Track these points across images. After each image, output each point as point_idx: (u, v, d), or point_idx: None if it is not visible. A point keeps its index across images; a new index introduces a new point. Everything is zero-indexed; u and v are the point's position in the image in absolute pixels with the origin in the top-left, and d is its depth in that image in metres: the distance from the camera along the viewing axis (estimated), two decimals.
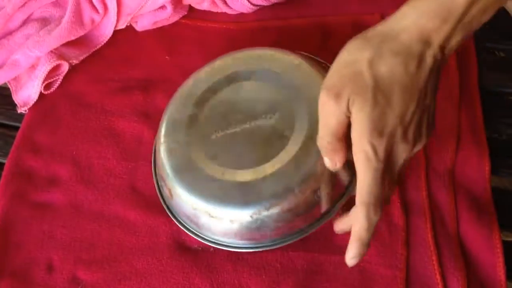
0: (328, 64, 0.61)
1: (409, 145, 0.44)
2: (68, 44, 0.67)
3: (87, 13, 0.67)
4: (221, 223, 0.52)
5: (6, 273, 0.56)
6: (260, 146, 0.53)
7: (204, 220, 0.53)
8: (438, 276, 0.52)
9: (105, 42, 0.69)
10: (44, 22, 0.68)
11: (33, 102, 0.66)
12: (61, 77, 0.67)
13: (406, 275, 0.53)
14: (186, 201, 0.53)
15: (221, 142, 0.54)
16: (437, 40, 0.41)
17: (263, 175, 0.51)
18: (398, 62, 0.41)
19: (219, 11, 0.70)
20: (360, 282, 0.52)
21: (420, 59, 0.41)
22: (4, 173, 0.62)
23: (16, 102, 0.66)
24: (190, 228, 0.56)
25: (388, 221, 0.55)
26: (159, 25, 0.70)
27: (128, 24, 0.70)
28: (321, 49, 0.66)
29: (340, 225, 0.49)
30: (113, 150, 0.62)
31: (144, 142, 0.62)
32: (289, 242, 0.54)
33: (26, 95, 0.66)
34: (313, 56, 0.62)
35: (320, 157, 0.50)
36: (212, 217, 0.52)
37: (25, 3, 0.68)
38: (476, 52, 0.65)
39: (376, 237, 0.54)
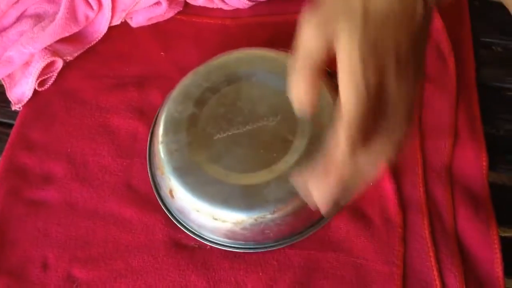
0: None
1: (407, 81, 0.38)
2: (62, 40, 0.66)
3: (81, 9, 0.66)
4: (225, 225, 0.52)
5: (1, 271, 0.56)
6: (263, 148, 0.53)
7: (206, 221, 0.53)
8: (435, 272, 0.52)
9: (99, 38, 0.69)
10: (38, 18, 0.67)
11: (27, 99, 0.65)
12: (55, 74, 0.66)
13: (403, 272, 0.52)
14: (189, 203, 0.53)
15: (223, 143, 0.54)
16: None
17: (268, 179, 0.52)
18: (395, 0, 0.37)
19: (215, 6, 0.69)
20: (357, 279, 0.52)
21: (414, 4, 0.39)
22: None
23: (10, 99, 0.66)
24: (190, 228, 0.56)
25: (385, 218, 0.55)
26: (154, 21, 0.69)
27: (123, 20, 0.69)
28: None
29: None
30: (108, 147, 0.61)
31: (139, 139, 0.62)
32: (289, 243, 0.54)
33: (20, 92, 0.65)
34: None
35: None
36: (216, 219, 0.52)
37: None
38: (473, 47, 0.65)
39: (372, 233, 0.54)
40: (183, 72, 0.62)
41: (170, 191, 0.55)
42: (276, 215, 0.51)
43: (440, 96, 0.60)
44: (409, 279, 0.52)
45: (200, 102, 0.57)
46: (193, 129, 0.55)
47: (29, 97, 0.65)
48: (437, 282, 0.52)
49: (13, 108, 0.66)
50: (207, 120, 0.56)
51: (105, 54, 0.68)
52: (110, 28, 0.69)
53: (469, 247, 0.53)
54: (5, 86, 0.67)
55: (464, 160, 0.57)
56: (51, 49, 0.65)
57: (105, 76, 0.66)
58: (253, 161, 0.53)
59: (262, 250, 0.54)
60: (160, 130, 0.56)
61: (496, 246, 0.53)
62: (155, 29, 0.69)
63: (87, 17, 0.67)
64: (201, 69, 0.59)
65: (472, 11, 0.67)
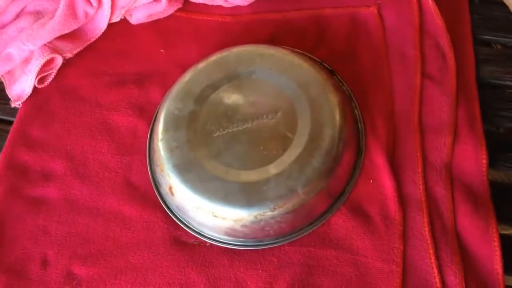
0: (325, 63, 0.62)
1: None
2: (62, 37, 0.66)
3: (81, 6, 0.66)
4: (225, 222, 0.52)
5: (1, 268, 0.56)
6: (263, 146, 0.53)
7: (206, 219, 0.53)
8: (435, 270, 0.52)
9: (99, 35, 0.68)
10: (38, 15, 0.67)
11: (26, 96, 0.65)
12: (55, 71, 0.66)
13: (403, 269, 0.53)
14: (189, 200, 0.53)
15: (223, 141, 0.54)
16: None
17: (267, 176, 0.52)
18: None
19: (215, 3, 0.69)
20: (356, 276, 0.52)
21: None
22: None
23: (9, 96, 0.66)
24: (190, 225, 0.56)
25: (385, 215, 0.55)
26: (154, 18, 0.69)
27: (122, 17, 0.69)
28: (318, 42, 0.65)
29: None
30: (108, 144, 0.61)
31: (139, 136, 0.62)
32: (289, 241, 0.54)
33: (20, 89, 0.65)
34: (311, 56, 0.62)
35: (322, 158, 0.50)
36: (216, 216, 0.52)
37: None
38: (473, 44, 0.64)
39: (372, 231, 0.54)
40: (182, 69, 0.62)
41: (170, 188, 0.55)
42: (276, 212, 0.51)
43: (440, 93, 0.60)
44: (409, 276, 0.52)
45: (200, 99, 0.57)
46: (193, 126, 0.55)
47: (29, 94, 0.65)
48: (437, 280, 0.52)
49: (12, 105, 0.66)
50: (207, 117, 0.56)
51: (104, 51, 0.68)
52: (110, 25, 0.69)
53: (469, 245, 0.53)
54: (4, 83, 0.67)
55: (464, 157, 0.57)
56: (51, 46, 0.65)
57: (104, 73, 0.66)
58: (253, 158, 0.53)
59: (262, 248, 0.54)
60: (160, 127, 0.56)
61: (495, 243, 0.53)
62: (155, 26, 0.69)
63: (86, 14, 0.67)
64: (201, 66, 0.59)
65: (472, 8, 0.67)
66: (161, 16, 0.69)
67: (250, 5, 0.69)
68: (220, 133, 0.55)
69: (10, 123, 0.65)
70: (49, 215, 0.58)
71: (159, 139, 0.55)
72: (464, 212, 0.54)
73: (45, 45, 0.65)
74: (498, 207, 0.55)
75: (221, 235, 0.55)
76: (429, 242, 0.53)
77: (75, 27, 0.67)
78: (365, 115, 0.60)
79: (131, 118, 0.63)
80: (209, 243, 0.55)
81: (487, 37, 0.66)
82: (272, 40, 0.66)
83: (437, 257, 0.52)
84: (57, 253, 0.56)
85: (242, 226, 0.52)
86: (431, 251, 0.53)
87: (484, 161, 0.57)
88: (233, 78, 0.57)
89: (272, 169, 0.52)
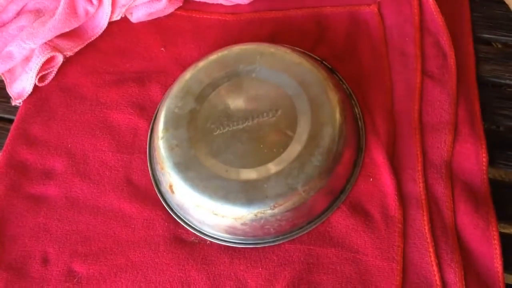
0: (325, 62, 0.62)
1: None
2: (62, 36, 0.66)
3: (81, 4, 0.66)
4: (225, 220, 0.52)
5: (1, 266, 0.56)
6: (263, 144, 0.53)
7: (207, 217, 0.53)
8: (435, 268, 0.52)
9: (99, 34, 0.69)
10: (38, 13, 0.67)
11: (27, 95, 0.65)
12: (55, 69, 0.66)
13: (403, 267, 0.53)
14: (189, 198, 0.53)
15: (224, 139, 0.54)
16: None
17: (268, 174, 0.52)
18: None
19: (215, 2, 0.69)
20: (356, 274, 0.52)
21: None
22: None
23: (10, 94, 0.66)
24: (190, 223, 0.56)
25: (385, 213, 0.55)
26: (154, 16, 0.69)
27: (123, 16, 0.69)
28: (318, 41, 0.65)
29: None
30: (108, 142, 0.62)
31: (139, 134, 0.62)
32: (290, 239, 0.54)
33: (20, 87, 0.65)
34: (311, 54, 0.63)
35: (323, 156, 0.50)
36: (216, 214, 0.52)
37: None
38: (474, 43, 0.64)
39: (372, 229, 0.54)
40: (183, 67, 0.62)
41: (170, 186, 0.55)
42: (276, 210, 0.51)
43: (440, 91, 0.60)
44: (409, 274, 0.52)
45: (200, 98, 0.57)
46: (193, 124, 0.55)
47: (29, 92, 0.65)
48: (437, 278, 0.52)
49: (13, 104, 0.66)
50: (207, 116, 0.56)
51: (105, 49, 0.68)
52: (110, 24, 0.69)
53: (469, 243, 0.53)
54: (5, 82, 0.67)
55: (464, 156, 0.57)
56: (51, 44, 0.65)
57: (105, 71, 0.66)
58: (253, 157, 0.53)
59: (262, 245, 0.54)
60: (160, 125, 0.56)
61: (495, 241, 0.53)
62: (155, 24, 0.69)
63: (87, 12, 0.67)
64: (201, 64, 0.59)
65: (472, 7, 0.67)
66: (161, 15, 0.69)
67: (251, 3, 0.69)
68: (220, 132, 0.55)
69: (10, 121, 0.65)
70: (50, 213, 0.58)
71: (160, 138, 0.55)
72: (464, 210, 0.55)
73: (45, 43, 0.65)
74: (498, 206, 0.55)
75: (221, 233, 0.55)
76: (429, 240, 0.53)
77: (75, 25, 0.67)
78: (365, 113, 0.60)
79: (132, 116, 0.63)
80: (209, 241, 0.55)
81: (487, 35, 0.66)
82: (273, 38, 0.66)
83: (437, 255, 0.52)
84: (57, 250, 0.56)
85: (242, 224, 0.52)
86: (431, 249, 0.53)
87: (484, 160, 0.57)
88: (233, 77, 0.57)
89: (272, 167, 0.52)
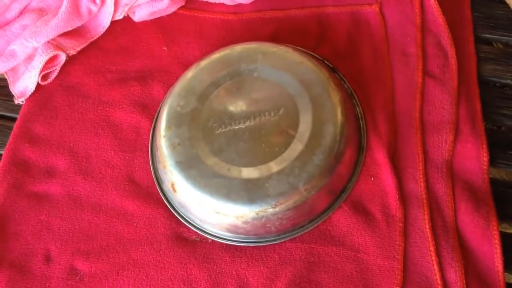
0: (326, 61, 0.62)
1: None
2: (65, 34, 0.66)
3: (84, 3, 0.66)
4: (226, 219, 0.53)
5: (4, 264, 0.56)
6: (265, 143, 0.54)
7: (208, 215, 0.53)
8: (435, 267, 0.52)
9: (102, 33, 0.69)
10: (41, 12, 0.67)
11: (30, 93, 0.65)
12: (58, 68, 0.67)
13: (404, 266, 0.53)
14: (191, 197, 0.53)
15: (225, 138, 0.54)
16: None
17: (269, 173, 0.52)
18: None
19: (217, 1, 0.69)
20: (357, 273, 0.53)
21: None
22: (1, 164, 0.61)
23: (13, 93, 0.66)
24: (192, 222, 0.56)
25: (386, 212, 0.55)
26: (157, 15, 0.69)
27: (126, 15, 0.69)
28: (320, 40, 0.65)
29: None
30: (111, 141, 0.62)
31: (142, 133, 0.62)
32: (291, 237, 0.54)
33: (23, 86, 0.66)
34: (312, 54, 0.63)
35: (324, 155, 0.50)
36: (218, 213, 0.52)
37: None
38: (475, 43, 0.65)
39: (373, 228, 0.54)
40: (185, 66, 0.62)
41: (172, 185, 0.55)
42: (277, 209, 0.52)
43: (441, 91, 0.60)
44: (410, 273, 0.53)
45: (202, 97, 0.57)
46: (195, 123, 0.56)
47: (32, 91, 0.65)
48: (437, 277, 0.52)
49: (16, 102, 0.66)
50: (209, 115, 0.56)
51: (107, 48, 0.68)
52: (113, 23, 0.69)
53: (470, 242, 0.54)
54: (8, 80, 0.67)
55: (465, 155, 0.57)
56: (54, 43, 0.65)
57: (107, 70, 0.66)
58: (254, 155, 0.53)
59: (264, 244, 0.55)
60: (162, 124, 0.56)
61: (496, 241, 0.53)
62: (158, 23, 0.69)
63: (89, 11, 0.67)
64: (203, 63, 0.59)
65: (473, 7, 0.67)
66: (163, 14, 0.70)
67: (253, 3, 0.69)
68: (222, 130, 0.55)
69: (13, 119, 0.66)
70: (52, 211, 0.59)
71: (162, 136, 0.56)
72: (465, 209, 0.55)
73: (48, 42, 0.65)
74: (498, 205, 0.55)
75: (223, 232, 0.55)
76: (429, 239, 0.53)
77: (78, 24, 0.67)
78: (366, 112, 0.60)
79: (134, 115, 0.63)
80: (211, 239, 0.56)
81: (488, 35, 0.66)
82: (274, 38, 0.66)
83: (438, 254, 0.53)
84: (60, 248, 0.57)
85: (243, 222, 0.53)
86: (432, 248, 0.53)
87: (485, 159, 0.57)
88: (235, 76, 0.57)
89: (274, 166, 0.52)
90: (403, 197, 0.56)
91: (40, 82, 0.65)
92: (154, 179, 0.59)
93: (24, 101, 0.66)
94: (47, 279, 0.55)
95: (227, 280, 0.53)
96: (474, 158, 0.57)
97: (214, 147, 0.54)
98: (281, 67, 0.57)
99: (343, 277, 0.53)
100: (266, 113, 0.55)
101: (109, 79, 0.66)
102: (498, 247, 0.53)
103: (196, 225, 0.56)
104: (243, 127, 0.55)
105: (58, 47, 0.65)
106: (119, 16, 0.69)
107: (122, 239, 0.57)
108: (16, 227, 0.58)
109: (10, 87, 0.66)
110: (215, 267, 0.54)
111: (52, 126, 0.63)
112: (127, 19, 0.70)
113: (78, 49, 0.68)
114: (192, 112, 0.56)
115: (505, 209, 0.55)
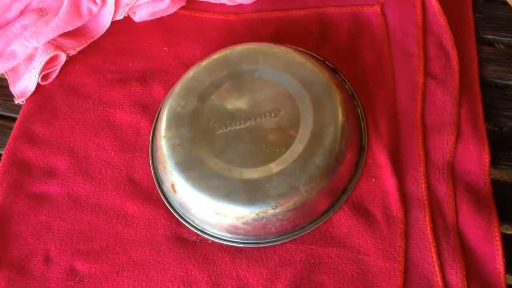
0: (327, 62, 0.62)
1: None
2: (66, 34, 0.66)
3: (85, 3, 0.66)
4: (226, 220, 0.52)
5: (3, 264, 0.56)
6: (265, 144, 0.53)
7: (209, 216, 0.53)
8: (436, 268, 0.52)
9: (102, 33, 0.69)
10: (41, 12, 0.67)
11: (30, 93, 0.65)
12: (58, 68, 0.66)
13: (405, 268, 0.53)
14: (191, 197, 0.53)
15: (226, 138, 0.54)
16: None
17: (269, 174, 0.52)
18: None
19: (218, 2, 0.69)
20: (358, 274, 0.52)
21: None
22: (1, 164, 0.61)
23: (13, 93, 0.66)
24: (192, 222, 0.56)
25: (387, 214, 0.55)
26: (157, 16, 0.69)
27: (126, 15, 0.69)
28: (321, 41, 0.65)
29: None
30: (111, 141, 0.62)
31: (142, 133, 0.62)
32: (291, 238, 0.54)
33: (23, 86, 0.66)
34: (313, 54, 0.63)
35: (325, 156, 0.50)
36: (218, 214, 0.52)
37: None
38: (476, 44, 0.64)
39: (374, 229, 0.54)
40: (186, 67, 0.62)
41: (172, 186, 0.55)
42: (277, 210, 0.51)
43: (443, 92, 0.60)
44: (410, 275, 0.52)
45: (202, 97, 0.57)
46: (196, 123, 0.55)
47: (32, 91, 0.65)
48: (438, 278, 0.52)
49: (16, 102, 0.66)
50: (209, 115, 0.56)
51: (108, 48, 0.68)
52: (113, 23, 0.69)
53: (471, 243, 0.53)
54: (8, 80, 0.67)
55: (467, 156, 0.57)
56: (55, 43, 0.65)
57: (108, 70, 0.66)
58: (255, 156, 0.53)
59: (264, 245, 0.54)
60: (163, 124, 0.56)
61: (497, 242, 0.53)
62: (158, 24, 0.69)
63: (90, 12, 0.67)
64: (204, 64, 0.59)
65: (475, 8, 0.67)
66: (164, 14, 0.69)
67: (254, 3, 0.69)
68: (222, 131, 0.55)
69: (13, 119, 0.66)
70: (52, 211, 0.58)
71: (162, 137, 0.56)
72: (466, 211, 0.54)
73: (48, 42, 0.65)
74: (500, 207, 0.55)
75: (223, 233, 0.55)
76: (431, 240, 0.53)
77: (78, 24, 0.67)
78: (367, 113, 0.60)
79: (134, 115, 0.63)
80: (211, 240, 0.55)
81: (490, 36, 0.66)
82: (275, 38, 0.66)
83: (439, 256, 0.52)
84: (59, 249, 0.56)
85: (244, 223, 0.53)
86: (433, 250, 0.53)
87: (487, 160, 0.57)
88: (236, 76, 0.57)
89: (274, 167, 0.52)
90: (404, 198, 0.55)
91: (40, 82, 0.65)
92: (154, 180, 0.59)
93: (24, 101, 0.66)
94: (46, 280, 0.55)
95: (227, 281, 0.53)
96: (475, 159, 0.57)
97: (214, 148, 0.54)
98: (282, 68, 0.57)
99: (344, 279, 0.52)
100: (267, 114, 0.55)
101: (110, 79, 0.66)
102: (500, 249, 0.53)
103: (196, 226, 0.56)
104: (243, 127, 0.55)
105: (59, 47, 0.65)
106: (119, 16, 0.69)
107: (122, 239, 0.56)
108: (16, 227, 0.58)
109: (10, 87, 0.66)
110: (215, 268, 0.54)
111: (52, 126, 0.63)
112: (127, 19, 0.70)
113: (79, 49, 0.67)
114: (193, 113, 0.56)
115: (506, 211, 0.55)
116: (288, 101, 0.55)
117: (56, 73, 0.66)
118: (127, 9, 0.68)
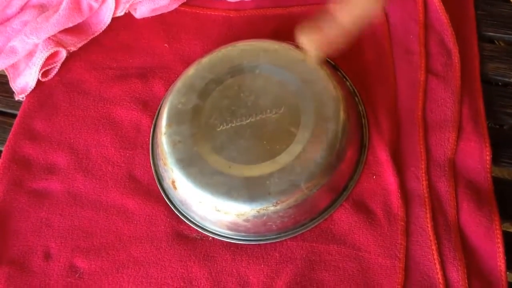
0: (328, 59, 0.62)
1: None
2: (66, 31, 0.66)
3: None
4: (227, 217, 0.52)
5: (3, 261, 0.56)
6: (266, 141, 0.53)
7: (209, 213, 0.53)
8: (437, 266, 0.52)
9: (103, 29, 0.68)
10: (42, 8, 0.67)
11: (30, 90, 0.65)
12: (58, 64, 0.66)
13: (406, 265, 0.52)
14: (192, 194, 0.53)
15: (226, 135, 0.54)
16: None
17: (270, 171, 0.52)
18: None
19: None
20: (359, 271, 0.52)
21: None
22: (1, 160, 0.61)
23: (13, 89, 0.66)
24: (192, 219, 0.56)
25: (388, 211, 0.55)
26: (158, 12, 0.69)
27: (127, 12, 0.69)
28: None
29: None
30: (111, 138, 0.61)
31: (142, 130, 0.62)
32: (292, 236, 0.54)
33: (24, 82, 0.65)
34: None
35: (326, 153, 0.50)
36: (218, 211, 0.52)
37: None
38: (478, 41, 0.64)
39: (375, 226, 0.54)
40: (186, 63, 0.62)
41: (173, 182, 0.55)
42: (278, 207, 0.51)
43: (444, 89, 0.60)
44: (411, 272, 0.52)
45: (203, 94, 0.57)
46: (196, 120, 0.55)
47: (33, 87, 0.65)
48: (439, 276, 0.52)
49: (16, 98, 0.66)
50: (210, 112, 0.56)
51: (108, 45, 0.68)
52: (114, 19, 0.69)
53: (472, 241, 0.53)
54: (8, 76, 0.67)
55: (468, 154, 0.57)
56: (55, 40, 0.65)
57: (108, 67, 0.66)
58: (256, 153, 0.53)
59: (264, 242, 0.54)
60: (163, 121, 0.56)
61: (498, 240, 0.53)
62: (159, 20, 0.69)
63: (91, 8, 0.67)
64: (205, 60, 0.59)
65: (476, 5, 0.67)
66: (165, 11, 0.69)
67: (254, 0, 0.69)
68: (223, 128, 0.55)
69: (13, 116, 0.65)
70: (52, 208, 0.58)
71: (163, 133, 0.55)
72: (467, 208, 0.54)
73: (49, 38, 0.65)
74: (501, 204, 0.55)
75: (224, 230, 0.55)
76: (431, 238, 0.53)
77: (79, 20, 0.67)
78: (368, 110, 0.60)
79: (135, 112, 0.63)
80: (212, 237, 0.55)
81: (492, 33, 0.66)
82: (276, 35, 0.65)
83: (440, 253, 0.52)
84: (59, 246, 0.56)
85: (244, 220, 0.52)
86: (434, 247, 0.53)
87: (488, 158, 0.56)
88: (236, 73, 0.57)
89: (275, 164, 0.52)
90: (405, 196, 0.55)
91: (40, 78, 0.65)
92: (155, 177, 0.59)
93: (25, 98, 0.65)
94: (46, 276, 0.55)
95: (228, 278, 0.53)
96: (476, 157, 0.57)
97: (215, 145, 0.54)
98: (282, 65, 0.57)
99: (344, 276, 0.52)
100: (268, 111, 0.55)
101: (110, 76, 0.66)
102: (501, 246, 0.53)
103: (196, 222, 0.56)
104: (244, 124, 0.55)
105: (59, 43, 0.65)
106: (120, 13, 0.69)
107: (122, 236, 0.56)
108: (16, 224, 0.58)
109: (10, 84, 0.66)
110: (215, 265, 0.54)
111: (52, 123, 0.63)
112: (128, 15, 0.69)
113: (79, 45, 0.67)
114: (193, 109, 0.56)
115: (507, 208, 0.55)
116: (289, 98, 0.55)
117: (56, 70, 0.66)
118: (127, 5, 0.68)
